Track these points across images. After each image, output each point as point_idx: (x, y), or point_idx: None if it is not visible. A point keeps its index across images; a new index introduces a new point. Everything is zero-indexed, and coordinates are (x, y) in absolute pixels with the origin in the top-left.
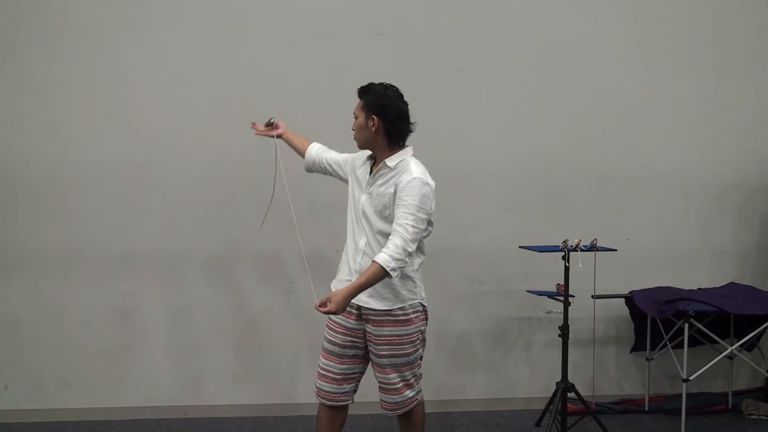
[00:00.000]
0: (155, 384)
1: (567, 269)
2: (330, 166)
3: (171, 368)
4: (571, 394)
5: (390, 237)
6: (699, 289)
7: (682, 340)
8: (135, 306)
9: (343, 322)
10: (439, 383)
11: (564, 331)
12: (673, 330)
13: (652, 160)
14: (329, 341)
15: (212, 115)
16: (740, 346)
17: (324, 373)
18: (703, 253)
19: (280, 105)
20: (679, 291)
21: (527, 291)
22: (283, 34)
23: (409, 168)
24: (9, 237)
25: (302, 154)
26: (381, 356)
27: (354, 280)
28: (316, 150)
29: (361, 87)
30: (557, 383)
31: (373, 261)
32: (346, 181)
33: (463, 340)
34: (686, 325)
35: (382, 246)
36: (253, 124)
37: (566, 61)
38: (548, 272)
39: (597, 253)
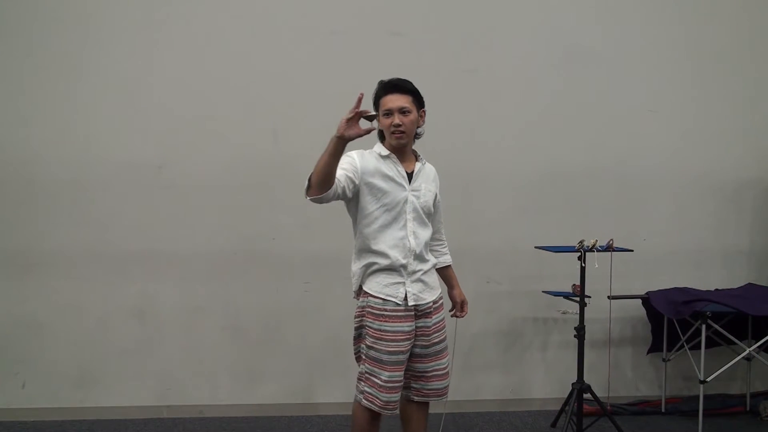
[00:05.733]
0: (171, 383)
1: (583, 270)
2: (348, 185)
3: (187, 367)
4: (586, 395)
5: (441, 236)
6: (716, 289)
7: (699, 341)
8: (151, 305)
9: (408, 329)
10: (455, 383)
11: (580, 331)
12: (690, 331)
13: (668, 160)
14: (397, 353)
15: (227, 116)
16: (758, 347)
17: (394, 385)
18: (720, 253)
19: (293, 105)
20: (696, 292)
21: (543, 291)
22: (297, 35)
23: (431, 166)
24: (26, 237)
25: (329, 183)
26: (437, 343)
27: (409, 282)
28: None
29: (398, 81)
30: (573, 384)
31: (447, 266)
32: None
33: (478, 340)
34: (703, 326)
35: (427, 244)
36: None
37: (581, 60)
38: (564, 273)
39: (613, 253)
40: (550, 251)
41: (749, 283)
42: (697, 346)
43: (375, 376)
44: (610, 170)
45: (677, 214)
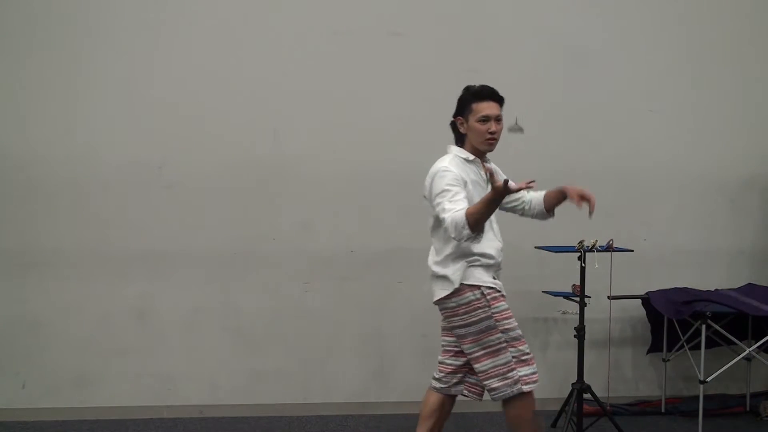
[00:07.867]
0: (171, 383)
1: (583, 270)
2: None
3: (187, 367)
4: (586, 395)
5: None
6: (716, 290)
7: (699, 342)
8: (151, 305)
9: None
10: None
11: (580, 332)
12: (690, 331)
13: (669, 160)
14: (517, 327)
15: (228, 116)
16: (758, 347)
17: (532, 355)
18: (721, 253)
19: (294, 105)
20: (696, 292)
21: (543, 291)
22: (297, 35)
23: None
24: (27, 237)
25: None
26: None
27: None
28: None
29: (492, 89)
30: (573, 384)
31: (540, 193)
32: None
33: None
34: (703, 327)
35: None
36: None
37: (582, 60)
38: (564, 273)
39: (613, 253)
40: (550, 251)
41: (749, 284)
42: (697, 347)
43: (525, 353)
44: (611, 170)
45: (677, 214)
